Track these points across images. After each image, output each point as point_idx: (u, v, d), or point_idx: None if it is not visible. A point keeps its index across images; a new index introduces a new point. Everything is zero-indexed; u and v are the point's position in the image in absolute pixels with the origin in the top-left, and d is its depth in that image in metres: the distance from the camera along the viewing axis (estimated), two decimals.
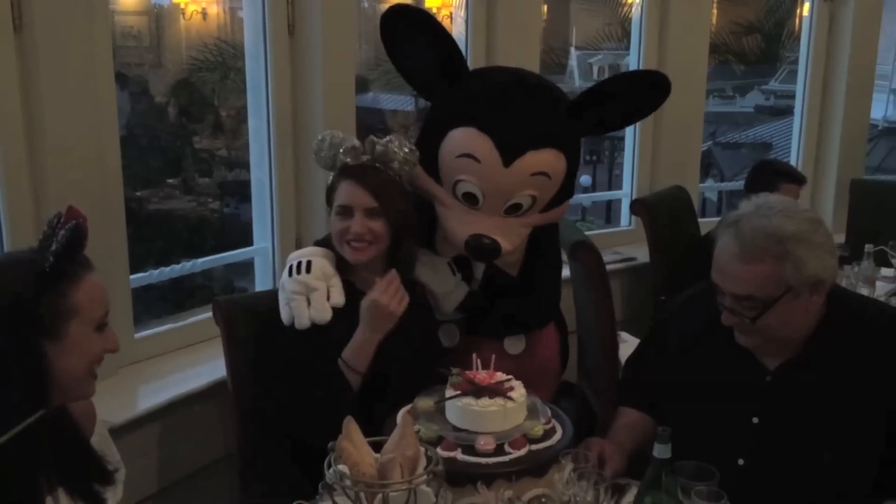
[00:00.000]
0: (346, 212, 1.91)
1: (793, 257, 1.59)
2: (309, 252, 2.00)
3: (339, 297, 1.91)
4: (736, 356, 1.74)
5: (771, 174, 3.33)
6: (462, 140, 1.99)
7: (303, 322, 1.87)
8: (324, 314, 1.88)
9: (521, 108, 2.02)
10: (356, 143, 1.94)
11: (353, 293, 1.95)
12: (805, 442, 1.65)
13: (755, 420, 1.70)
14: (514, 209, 2.04)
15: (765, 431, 1.69)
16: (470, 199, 2.02)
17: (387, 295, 1.85)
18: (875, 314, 1.75)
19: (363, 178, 1.92)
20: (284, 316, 1.90)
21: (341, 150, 1.93)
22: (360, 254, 1.93)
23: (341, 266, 1.96)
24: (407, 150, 1.95)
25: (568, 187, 2.13)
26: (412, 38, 2.05)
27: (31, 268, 1.26)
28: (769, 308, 1.62)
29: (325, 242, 2.02)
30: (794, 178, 3.31)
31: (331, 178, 1.97)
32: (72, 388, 1.31)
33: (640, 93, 2.14)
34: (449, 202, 2.05)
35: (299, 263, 1.94)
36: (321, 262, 1.95)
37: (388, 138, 1.96)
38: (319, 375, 1.85)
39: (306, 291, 1.89)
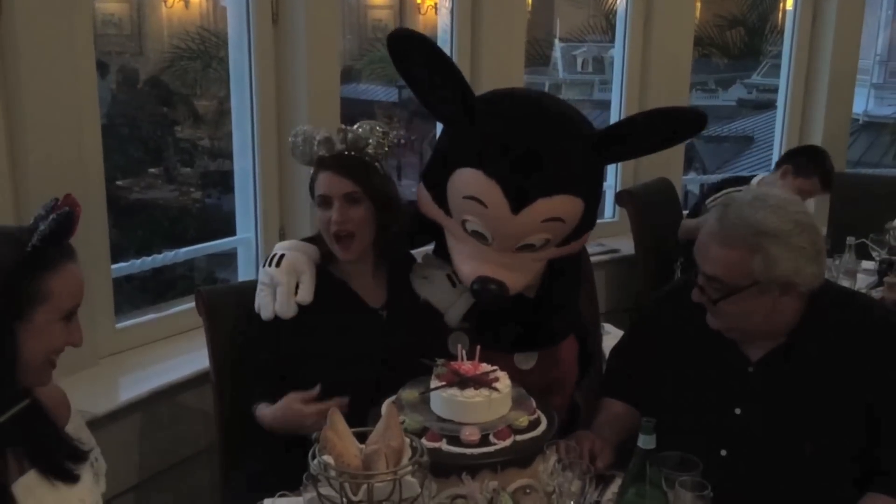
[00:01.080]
0: (327, 202, 1.90)
1: (764, 253, 1.59)
2: (288, 245, 2.00)
3: (305, 295, 1.91)
4: (719, 347, 1.74)
5: (817, 163, 3.32)
6: (469, 182, 1.83)
7: (266, 314, 1.90)
8: (286, 309, 1.89)
9: (531, 153, 1.81)
10: (328, 133, 1.92)
11: (337, 285, 1.96)
12: (787, 433, 1.66)
13: (738, 411, 1.71)
14: (527, 248, 1.89)
15: (747, 422, 1.70)
16: (479, 236, 1.88)
17: (313, 415, 1.75)
18: (859, 308, 1.75)
19: (339, 166, 1.90)
20: (256, 303, 1.94)
21: (315, 143, 1.91)
22: (347, 252, 1.92)
23: (329, 258, 1.96)
24: (379, 133, 1.93)
25: (589, 222, 1.96)
26: (419, 66, 1.86)
27: (14, 245, 1.25)
28: (732, 295, 1.63)
29: (313, 239, 2.01)
30: (826, 183, 3.32)
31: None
32: (27, 373, 1.29)
33: (672, 128, 1.93)
34: (458, 234, 1.91)
35: (273, 256, 1.95)
36: (294, 255, 1.94)
37: (357, 125, 1.94)
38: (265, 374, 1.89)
39: (272, 284, 1.91)
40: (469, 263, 1.89)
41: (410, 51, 1.84)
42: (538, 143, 1.83)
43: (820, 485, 1.65)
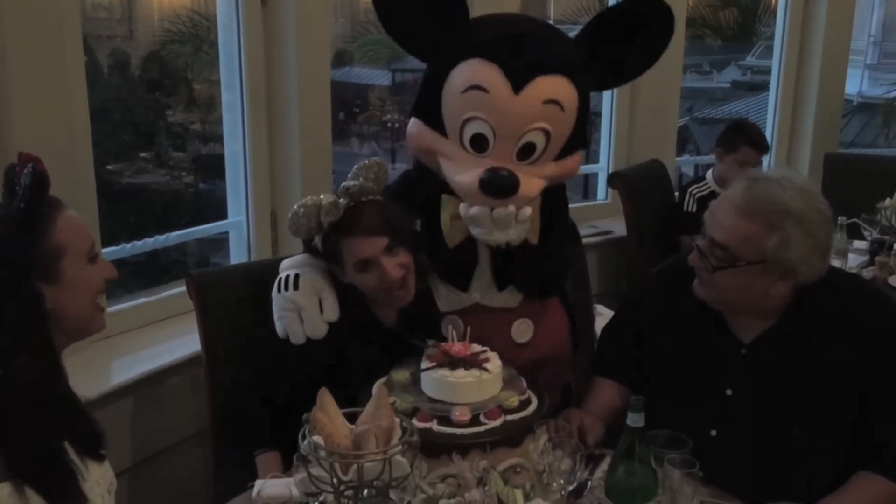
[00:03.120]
0: (369, 265, 1.83)
1: (783, 233, 1.58)
2: (296, 263, 1.91)
3: (332, 313, 1.85)
4: (712, 329, 1.75)
5: (738, 134, 3.38)
6: (467, 73, 1.83)
7: (298, 339, 1.83)
8: (317, 330, 1.84)
9: (528, 34, 1.88)
10: (332, 198, 1.83)
11: (360, 309, 1.90)
12: (777, 415, 1.67)
13: (729, 392, 1.72)
14: (527, 152, 1.87)
15: (738, 404, 1.71)
16: (479, 144, 1.86)
17: None
18: (852, 291, 1.75)
19: (365, 225, 1.82)
20: (279, 329, 1.85)
21: (321, 213, 1.81)
22: (405, 294, 1.87)
23: (359, 301, 1.89)
24: (376, 167, 1.87)
25: (582, 131, 1.96)
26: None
27: (6, 219, 1.25)
28: (734, 267, 1.62)
29: (311, 251, 1.92)
30: (755, 145, 3.36)
31: (318, 241, 1.86)
32: (82, 325, 1.34)
33: (643, 17, 1.96)
34: (455, 153, 1.88)
35: (287, 278, 1.86)
36: (310, 274, 1.88)
37: (353, 171, 1.87)
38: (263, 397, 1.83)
39: (296, 309, 1.84)
40: (469, 172, 1.84)
41: None
42: (532, 29, 1.92)
43: (809, 466, 1.66)
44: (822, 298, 1.69)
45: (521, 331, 2.03)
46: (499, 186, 1.81)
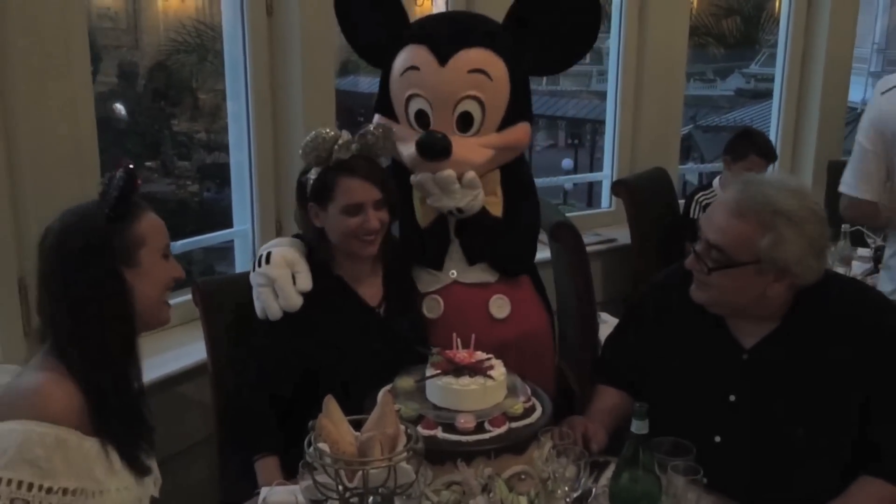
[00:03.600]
0: (357, 209, 1.90)
1: (776, 232, 1.60)
2: (272, 243, 2.03)
3: (305, 282, 1.93)
4: (713, 335, 1.75)
5: (746, 142, 3.37)
6: (403, 57, 2.10)
7: (274, 313, 1.90)
8: (291, 301, 1.91)
9: (450, 17, 2.21)
10: (348, 136, 1.92)
11: (346, 291, 1.98)
12: (780, 419, 1.67)
13: (732, 398, 1.72)
14: (466, 122, 2.07)
15: (741, 409, 1.71)
16: (422, 121, 2.08)
17: None
18: (851, 294, 1.76)
19: (367, 172, 1.91)
20: (257, 309, 1.93)
21: (337, 146, 1.89)
22: (371, 246, 1.95)
23: (331, 263, 1.98)
24: (388, 131, 1.98)
25: (521, 104, 2.13)
26: (360, 10, 2.19)
27: (97, 212, 1.40)
28: (730, 267, 1.64)
29: (298, 236, 2.03)
30: (763, 153, 3.35)
31: (314, 173, 1.93)
32: (151, 314, 1.47)
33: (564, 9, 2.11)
34: (406, 133, 2.08)
35: (260, 256, 1.96)
36: (281, 250, 1.96)
37: (368, 127, 1.95)
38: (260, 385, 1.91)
39: (269, 283, 1.91)
40: (412, 142, 2.04)
41: None
42: (458, 13, 2.33)
43: (813, 470, 1.66)
44: (821, 301, 1.69)
45: (498, 306, 2.15)
46: (432, 146, 2.01)
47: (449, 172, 2.01)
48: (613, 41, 3.81)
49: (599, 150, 3.90)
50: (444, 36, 2.08)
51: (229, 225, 2.77)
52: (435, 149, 2.01)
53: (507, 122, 2.10)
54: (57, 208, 2.02)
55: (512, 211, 2.16)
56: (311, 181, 1.93)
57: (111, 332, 1.39)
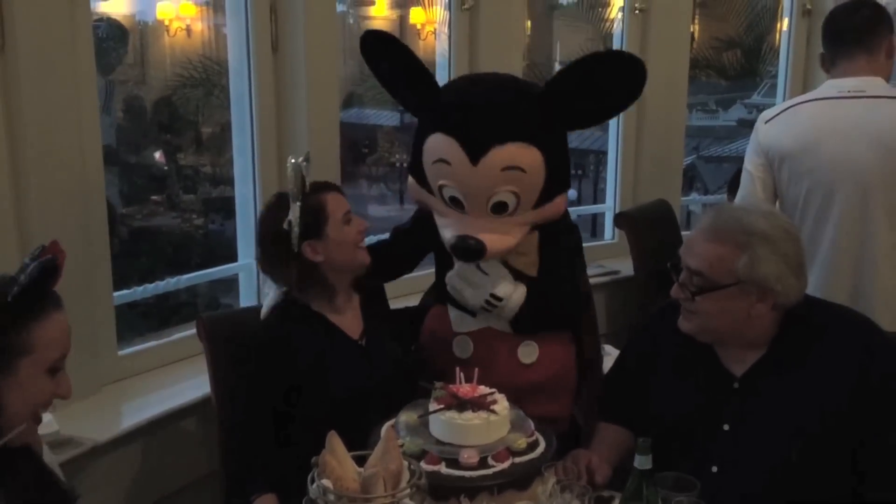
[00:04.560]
0: (349, 215, 2.01)
1: (751, 252, 1.65)
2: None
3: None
4: (704, 365, 1.77)
5: None
6: (434, 146, 2.02)
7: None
8: None
9: (480, 105, 2.00)
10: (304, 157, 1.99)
11: (328, 327, 2.00)
12: (775, 447, 1.68)
13: (726, 427, 1.73)
14: (500, 208, 2.00)
15: (736, 438, 1.71)
16: (456, 203, 2.03)
17: None
18: (839, 317, 1.78)
19: (331, 185, 2.05)
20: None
21: (304, 172, 1.96)
22: (367, 252, 2.05)
23: (321, 301, 2.01)
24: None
25: (558, 180, 2.05)
26: (382, 59, 2.10)
27: None
28: (712, 291, 1.67)
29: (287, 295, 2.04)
30: None
31: (295, 210, 1.94)
32: (11, 426, 1.23)
33: (612, 72, 1.99)
34: (442, 209, 2.07)
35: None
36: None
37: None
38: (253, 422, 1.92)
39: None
40: (451, 228, 2.03)
41: (382, 49, 2.07)
42: (486, 98, 2.02)
43: (809, 498, 1.66)
44: (806, 325, 1.72)
45: (527, 352, 2.12)
46: (466, 253, 1.99)
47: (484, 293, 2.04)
48: None
49: (603, 180, 3.91)
50: (475, 131, 1.96)
51: (234, 258, 2.79)
52: (469, 255, 2.00)
53: (543, 200, 2.04)
54: (63, 244, 2.05)
55: (547, 271, 2.13)
56: (298, 219, 1.93)
57: None
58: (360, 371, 1.97)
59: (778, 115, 2.46)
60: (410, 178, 2.15)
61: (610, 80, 1.97)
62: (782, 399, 1.69)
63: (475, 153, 1.95)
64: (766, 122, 2.48)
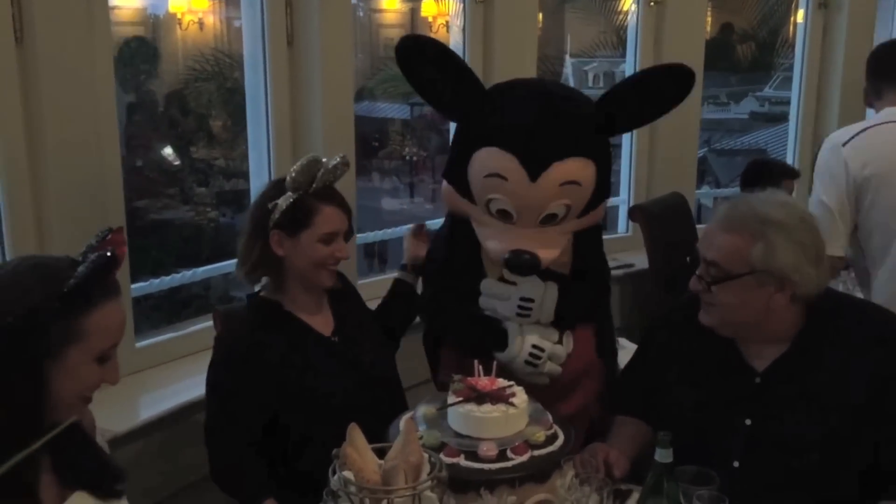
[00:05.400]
0: (332, 238, 1.92)
1: (766, 240, 1.63)
2: None
3: None
4: (726, 359, 1.76)
5: (771, 172, 3.37)
6: (487, 160, 1.96)
7: None
8: None
9: (540, 122, 1.96)
10: (338, 159, 1.93)
11: (298, 325, 1.97)
12: (796, 442, 1.67)
13: (748, 422, 1.72)
14: (550, 219, 2.00)
15: (757, 433, 1.71)
16: (504, 215, 2.00)
17: None
18: (864, 314, 1.77)
19: (342, 201, 1.95)
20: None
21: (321, 172, 1.89)
22: (334, 276, 1.98)
23: (279, 297, 1.98)
24: (346, 165, 1.97)
25: (604, 188, 2.08)
26: (426, 67, 2.00)
27: (47, 281, 1.20)
28: (728, 280, 1.66)
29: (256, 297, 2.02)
30: (792, 174, 3.38)
31: (286, 199, 1.90)
32: (60, 410, 1.23)
33: (662, 87, 2.04)
34: (484, 220, 2.03)
35: None
36: None
37: (340, 160, 1.94)
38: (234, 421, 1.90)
39: None
40: (498, 240, 1.99)
41: (419, 55, 1.98)
42: (546, 114, 1.97)
43: (831, 493, 1.66)
44: (831, 321, 1.70)
45: (567, 341, 2.10)
46: (521, 267, 1.97)
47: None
48: (629, 65, 3.83)
49: (616, 174, 3.88)
50: (536, 149, 1.93)
51: None
52: (525, 269, 1.98)
53: (588, 209, 2.05)
54: (80, 236, 2.05)
55: (581, 267, 2.13)
56: (283, 208, 1.90)
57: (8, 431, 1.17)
58: (332, 367, 1.96)
59: (855, 136, 2.47)
60: (446, 184, 2.10)
61: (662, 87, 2.01)
62: (804, 394, 1.68)
63: (535, 170, 1.92)
64: (845, 145, 2.47)
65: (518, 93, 2.06)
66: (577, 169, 1.96)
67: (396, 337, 2.27)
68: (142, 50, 5.20)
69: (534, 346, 2.03)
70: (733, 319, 1.71)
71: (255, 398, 1.88)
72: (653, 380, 1.89)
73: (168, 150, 5.15)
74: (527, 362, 2.02)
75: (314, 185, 1.90)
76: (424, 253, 2.25)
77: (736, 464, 1.70)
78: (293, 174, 1.89)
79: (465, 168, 2.00)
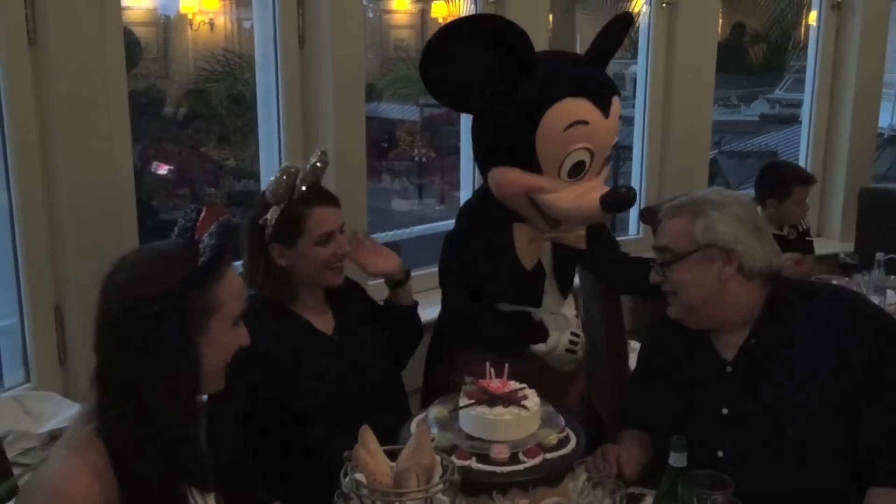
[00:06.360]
0: (329, 238, 1.93)
1: (705, 216, 1.78)
2: None
3: None
4: (699, 352, 1.83)
5: (784, 177, 3.33)
6: (565, 112, 2.02)
7: None
8: None
9: (590, 67, 2.14)
10: (314, 159, 1.93)
11: (299, 323, 1.97)
12: (773, 426, 1.71)
13: (725, 411, 1.76)
14: (604, 163, 2.14)
15: (735, 420, 1.75)
16: (577, 170, 2.06)
17: None
18: (828, 296, 1.83)
19: (329, 198, 1.95)
20: None
21: (301, 176, 1.89)
22: (341, 274, 1.99)
23: (289, 298, 1.97)
24: (325, 160, 1.97)
25: None
26: (473, 49, 1.99)
27: (182, 263, 1.27)
28: (679, 260, 1.79)
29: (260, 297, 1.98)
30: (806, 180, 3.32)
31: (274, 212, 1.90)
32: (207, 382, 1.32)
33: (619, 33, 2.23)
34: (555, 185, 2.06)
35: None
36: None
37: (318, 159, 1.94)
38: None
39: None
40: (583, 197, 2.05)
41: (460, 35, 2.02)
42: (575, 56, 2.26)
43: (816, 475, 1.69)
44: (796, 306, 1.77)
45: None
46: (623, 203, 2.08)
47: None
48: (641, 67, 3.81)
49: (625, 176, 3.88)
50: (600, 86, 2.08)
51: None
52: (622, 205, 2.09)
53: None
54: (92, 236, 2.06)
55: (597, 242, 2.27)
56: (272, 221, 1.90)
57: (168, 409, 1.24)
58: (332, 366, 1.95)
59: None
60: (505, 171, 2.08)
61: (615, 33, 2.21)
62: (773, 379, 1.73)
63: (605, 106, 2.06)
64: None
65: (547, 56, 2.20)
66: (618, 105, 2.12)
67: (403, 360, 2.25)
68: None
69: (572, 334, 2.17)
70: (691, 301, 1.79)
71: (254, 395, 1.87)
72: (650, 388, 1.93)
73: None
74: (568, 350, 2.16)
75: (296, 193, 1.89)
76: (391, 266, 2.18)
77: (720, 453, 1.74)
78: (271, 189, 1.89)
79: (531, 138, 2.02)
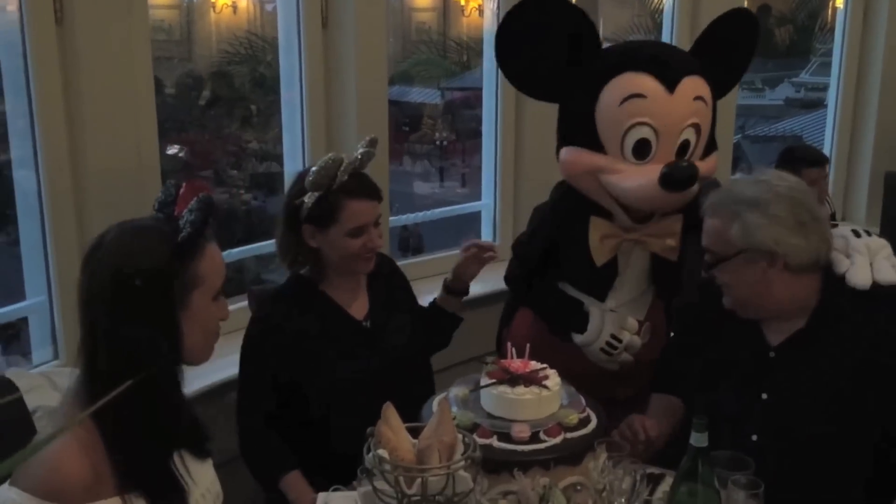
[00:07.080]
0: (361, 231, 1.93)
1: (741, 220, 1.69)
2: None
3: None
4: (743, 333, 1.79)
5: (791, 161, 3.32)
6: (621, 86, 1.97)
7: None
8: None
9: (661, 46, 2.15)
10: (356, 155, 1.93)
11: (331, 307, 1.99)
12: (810, 417, 1.69)
13: (764, 396, 1.75)
14: (684, 150, 2.01)
15: (774, 406, 1.74)
16: (641, 150, 1.98)
17: None
18: (886, 302, 1.78)
19: (369, 191, 1.94)
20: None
21: (340, 170, 1.89)
22: (372, 262, 1.99)
23: (319, 280, 2.00)
24: (371, 149, 1.97)
25: (713, 133, 2.10)
26: (542, 30, 2.01)
27: (164, 238, 1.28)
28: (721, 263, 1.74)
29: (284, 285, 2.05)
30: (811, 162, 3.29)
31: (311, 197, 1.91)
32: (191, 356, 1.35)
33: (733, 29, 2.17)
34: (619, 165, 1.99)
35: None
36: None
37: (362, 150, 1.95)
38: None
39: None
40: (646, 175, 1.96)
41: (528, 16, 2.03)
42: (656, 43, 2.34)
43: (848, 466, 1.69)
44: (851, 305, 1.74)
45: (644, 332, 2.16)
46: (681, 178, 1.94)
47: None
48: None
49: None
50: (668, 63, 2.00)
51: None
52: (686, 181, 1.95)
53: (707, 151, 2.08)
54: (118, 215, 2.08)
55: (686, 260, 2.15)
56: (309, 205, 1.91)
57: (153, 387, 1.24)
58: (360, 352, 1.97)
59: None
60: (567, 152, 2.06)
61: (735, 37, 2.16)
62: (815, 369, 1.71)
63: (671, 81, 1.97)
64: None
65: (622, 40, 2.30)
66: (702, 85, 2.02)
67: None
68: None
69: (612, 336, 2.10)
70: (741, 298, 1.76)
71: (281, 375, 1.91)
72: (684, 356, 1.92)
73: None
74: (603, 350, 2.11)
75: (336, 182, 1.90)
76: (475, 273, 2.14)
77: (754, 437, 1.73)
78: (312, 176, 1.90)
79: (591, 115, 2.00)
